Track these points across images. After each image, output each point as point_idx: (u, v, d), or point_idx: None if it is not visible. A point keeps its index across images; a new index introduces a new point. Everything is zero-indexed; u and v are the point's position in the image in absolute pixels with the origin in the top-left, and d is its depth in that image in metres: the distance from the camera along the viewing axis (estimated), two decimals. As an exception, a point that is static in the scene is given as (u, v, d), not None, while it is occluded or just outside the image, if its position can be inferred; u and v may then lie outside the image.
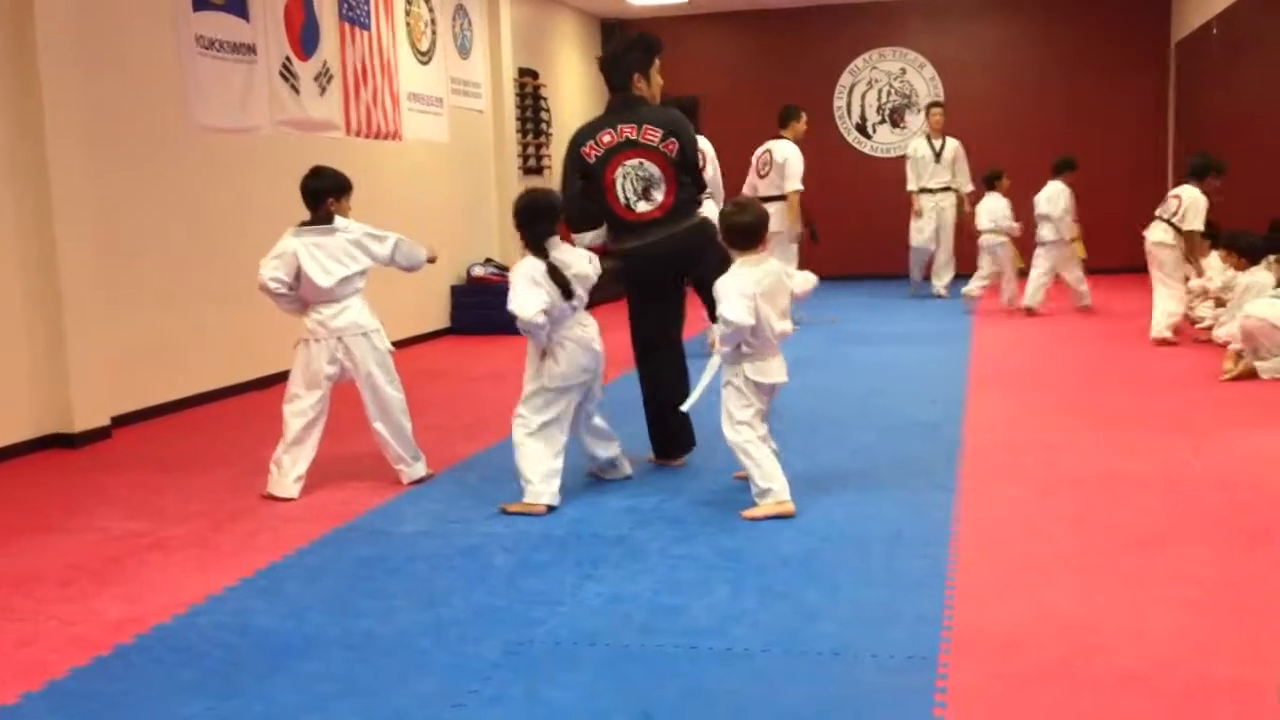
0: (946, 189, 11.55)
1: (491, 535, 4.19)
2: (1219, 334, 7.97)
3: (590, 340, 4.57)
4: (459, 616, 3.39)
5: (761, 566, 3.74)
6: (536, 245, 4.50)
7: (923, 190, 11.56)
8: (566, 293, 4.46)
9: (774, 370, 4.37)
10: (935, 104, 12.13)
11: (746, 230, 4.37)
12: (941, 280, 11.65)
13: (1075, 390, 6.68)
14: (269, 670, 3.05)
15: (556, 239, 4.57)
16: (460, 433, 5.92)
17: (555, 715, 2.74)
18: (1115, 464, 4.90)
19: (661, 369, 5.01)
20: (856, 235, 13.18)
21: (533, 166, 12.29)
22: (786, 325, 4.38)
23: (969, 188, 11.48)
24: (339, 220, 4.87)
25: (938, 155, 11.54)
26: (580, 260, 4.59)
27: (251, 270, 8.04)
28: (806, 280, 4.65)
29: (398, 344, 9.43)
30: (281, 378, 7.74)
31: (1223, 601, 3.32)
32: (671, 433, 5.05)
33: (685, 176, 4.96)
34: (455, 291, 10.53)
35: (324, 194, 4.86)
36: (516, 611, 3.41)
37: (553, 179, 12.86)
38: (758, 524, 4.20)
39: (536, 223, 4.53)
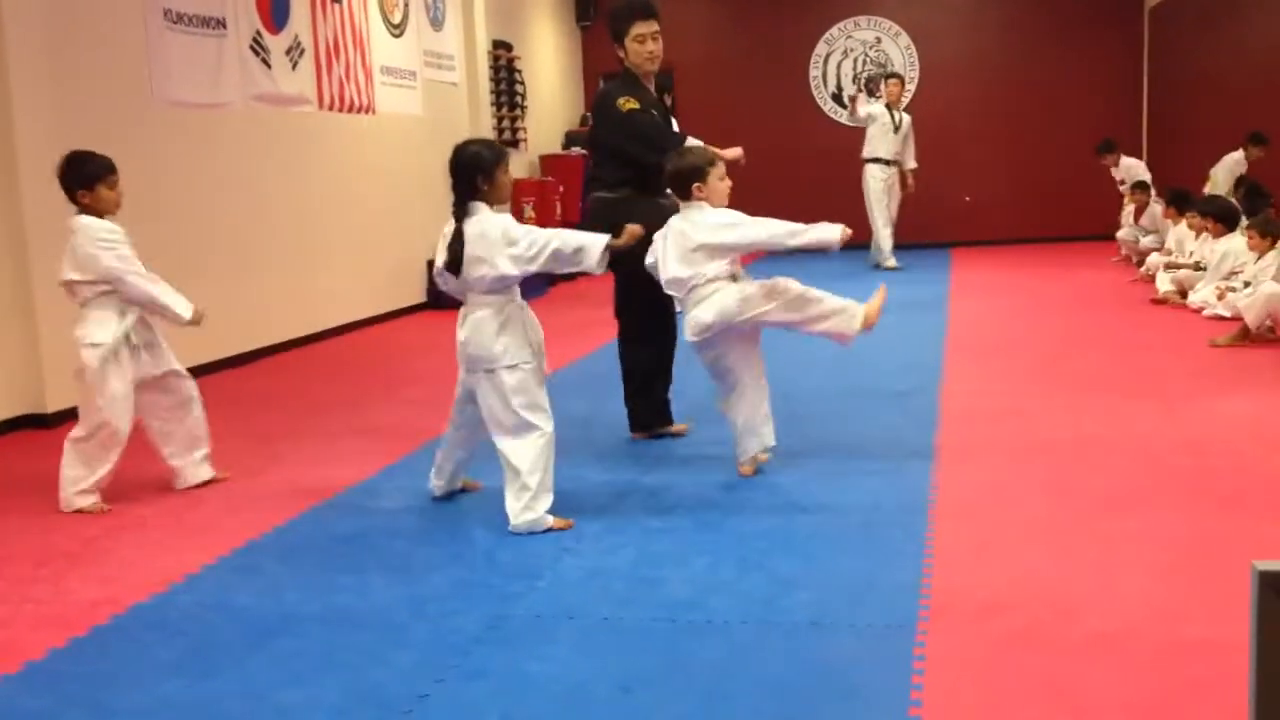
0: (896, 162, 11.62)
1: (469, 510, 4.19)
2: (1194, 299, 8.03)
3: (462, 320, 4.05)
4: (438, 592, 3.39)
5: (740, 537, 3.75)
6: (459, 205, 4.02)
7: (875, 160, 11.57)
8: (451, 263, 3.99)
9: (684, 325, 4.40)
10: (893, 75, 12.27)
11: (670, 178, 4.45)
12: (888, 253, 11.62)
13: (1050, 357, 6.71)
14: (248, 648, 3.05)
15: (479, 204, 3.98)
16: (437, 407, 5.87)
17: (535, 688, 2.74)
18: (1089, 430, 4.93)
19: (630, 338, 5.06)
20: (831, 205, 13.14)
21: (508, 140, 12.20)
22: (680, 271, 4.31)
23: (913, 164, 11.64)
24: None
25: (896, 127, 11.61)
26: (485, 229, 3.92)
27: (227, 248, 7.98)
28: (770, 235, 4.28)
29: (374, 320, 9.50)
30: (259, 354, 7.75)
31: (1193, 564, 3.36)
32: (651, 405, 5.10)
33: (598, 155, 5.04)
34: (431, 266, 10.46)
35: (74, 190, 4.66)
36: (495, 586, 3.42)
37: (528, 152, 12.79)
38: (735, 495, 4.22)
39: (455, 181, 4.04)
